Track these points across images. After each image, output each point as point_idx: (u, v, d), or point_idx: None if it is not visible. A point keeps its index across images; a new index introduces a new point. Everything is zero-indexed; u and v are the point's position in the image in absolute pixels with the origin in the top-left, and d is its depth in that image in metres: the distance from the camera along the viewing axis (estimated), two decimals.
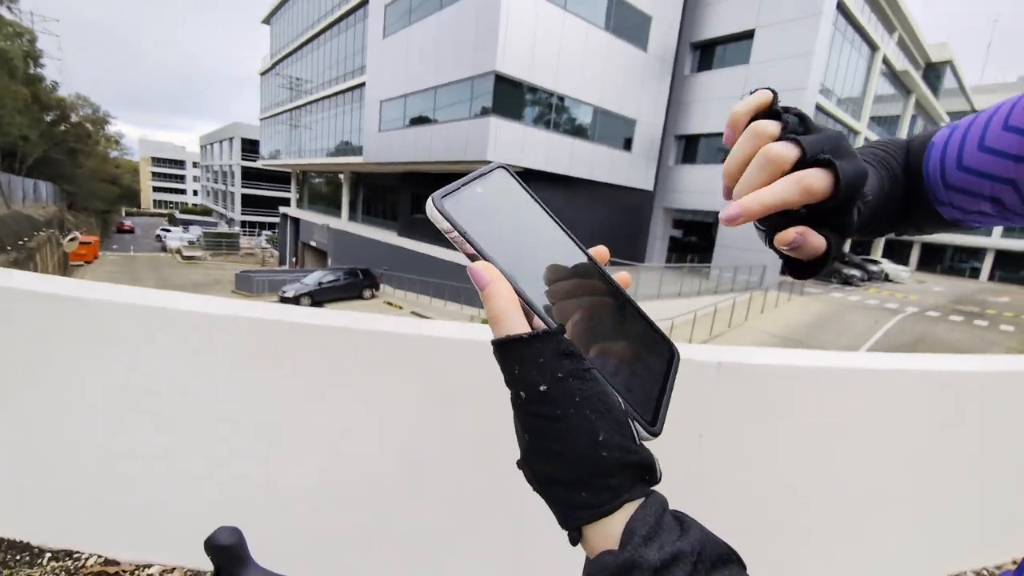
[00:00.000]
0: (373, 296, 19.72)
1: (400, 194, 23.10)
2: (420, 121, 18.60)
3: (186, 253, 34.70)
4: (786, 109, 0.35)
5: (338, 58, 25.56)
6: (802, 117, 0.35)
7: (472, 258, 0.30)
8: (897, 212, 0.49)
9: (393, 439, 1.25)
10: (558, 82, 16.35)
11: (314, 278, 19.23)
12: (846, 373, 1.29)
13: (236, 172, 52.60)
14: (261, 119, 38.11)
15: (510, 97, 15.45)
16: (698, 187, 20.68)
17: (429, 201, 0.30)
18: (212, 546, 0.44)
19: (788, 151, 0.32)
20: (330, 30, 26.06)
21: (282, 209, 36.06)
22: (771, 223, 0.36)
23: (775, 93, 0.36)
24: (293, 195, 37.64)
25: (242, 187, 52.99)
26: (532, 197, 0.35)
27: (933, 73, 30.62)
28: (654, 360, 0.34)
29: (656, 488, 0.30)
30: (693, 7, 19.82)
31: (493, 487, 1.28)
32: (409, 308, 17.65)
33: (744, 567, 0.28)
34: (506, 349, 0.28)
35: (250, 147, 49.30)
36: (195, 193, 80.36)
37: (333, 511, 1.31)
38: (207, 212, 66.90)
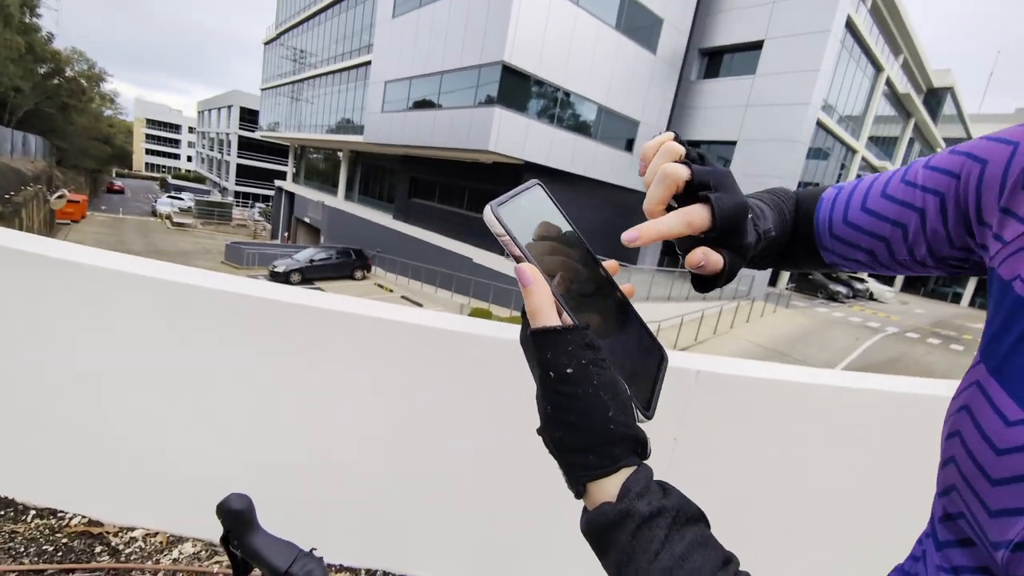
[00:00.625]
0: (364, 277, 19.63)
1: (398, 177, 22.92)
2: (424, 105, 18.41)
3: (176, 220, 34.11)
4: (690, 148, 0.42)
5: (344, 34, 25.15)
6: (703, 156, 0.42)
7: (518, 260, 0.36)
8: (782, 250, 0.58)
9: (390, 418, 1.29)
10: (565, 77, 16.25)
11: (306, 255, 19.07)
12: (820, 389, 1.35)
13: (233, 141, 51.71)
14: (262, 89, 37.43)
15: (516, 88, 15.34)
16: None
17: (487, 208, 0.36)
18: (223, 510, 0.48)
19: (681, 170, 0.39)
20: (338, 4, 25.60)
21: (278, 182, 35.58)
22: (681, 245, 0.43)
23: (676, 134, 0.42)
24: (290, 169, 37.15)
25: (238, 157, 52.11)
26: (560, 210, 0.41)
27: (934, 98, 30.90)
28: (649, 360, 0.41)
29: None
30: (705, 13, 19.77)
31: (486, 466, 1.33)
32: (400, 292, 17.61)
33: (709, 527, 0.35)
34: (542, 337, 0.35)
35: (249, 116, 48.43)
36: (189, 159, 78.82)
37: (323, 485, 1.35)
38: (200, 180, 65.69)
